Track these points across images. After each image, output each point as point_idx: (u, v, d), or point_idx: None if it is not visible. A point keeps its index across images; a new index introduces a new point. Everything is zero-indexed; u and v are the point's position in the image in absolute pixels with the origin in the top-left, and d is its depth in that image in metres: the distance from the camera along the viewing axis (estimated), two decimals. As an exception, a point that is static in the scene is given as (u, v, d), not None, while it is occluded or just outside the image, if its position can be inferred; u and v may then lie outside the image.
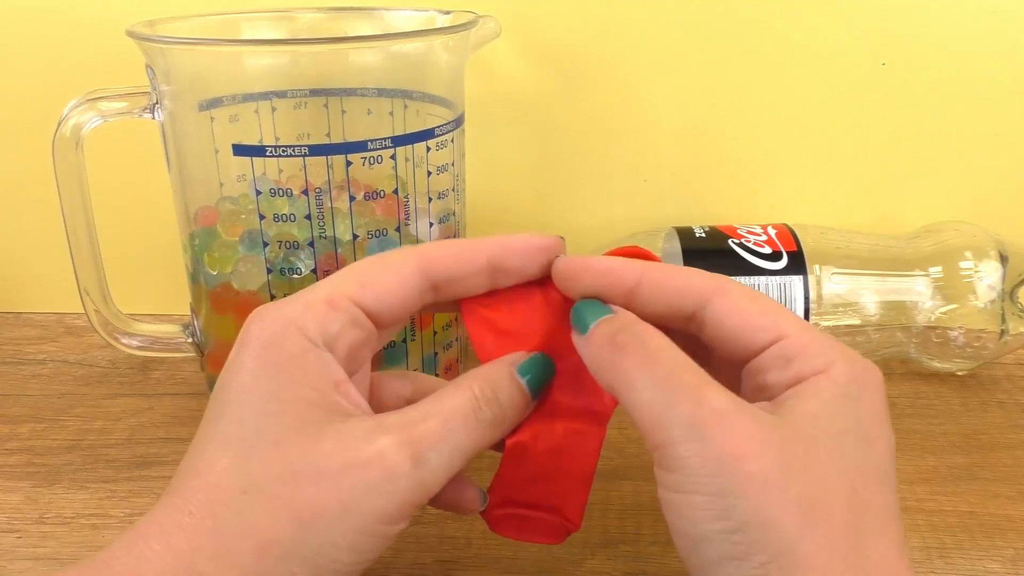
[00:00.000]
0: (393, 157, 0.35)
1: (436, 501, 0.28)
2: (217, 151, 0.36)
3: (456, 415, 0.26)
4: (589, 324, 0.26)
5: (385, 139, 0.35)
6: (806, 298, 0.42)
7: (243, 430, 0.25)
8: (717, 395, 0.24)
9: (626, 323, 0.26)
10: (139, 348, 0.43)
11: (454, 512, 0.29)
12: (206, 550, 0.23)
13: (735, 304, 0.26)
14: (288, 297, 0.27)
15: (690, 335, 0.28)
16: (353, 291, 0.26)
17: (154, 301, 0.51)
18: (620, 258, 0.28)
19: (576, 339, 0.27)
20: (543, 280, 0.29)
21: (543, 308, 0.29)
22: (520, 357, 0.28)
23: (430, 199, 0.38)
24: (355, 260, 0.35)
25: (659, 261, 0.28)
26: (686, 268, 0.28)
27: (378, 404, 0.29)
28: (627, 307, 0.27)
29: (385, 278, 0.27)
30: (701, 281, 0.27)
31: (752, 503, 0.22)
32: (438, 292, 0.28)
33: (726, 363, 0.28)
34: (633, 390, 0.25)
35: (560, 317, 0.28)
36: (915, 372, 0.45)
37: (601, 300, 0.27)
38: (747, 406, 0.24)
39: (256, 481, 0.24)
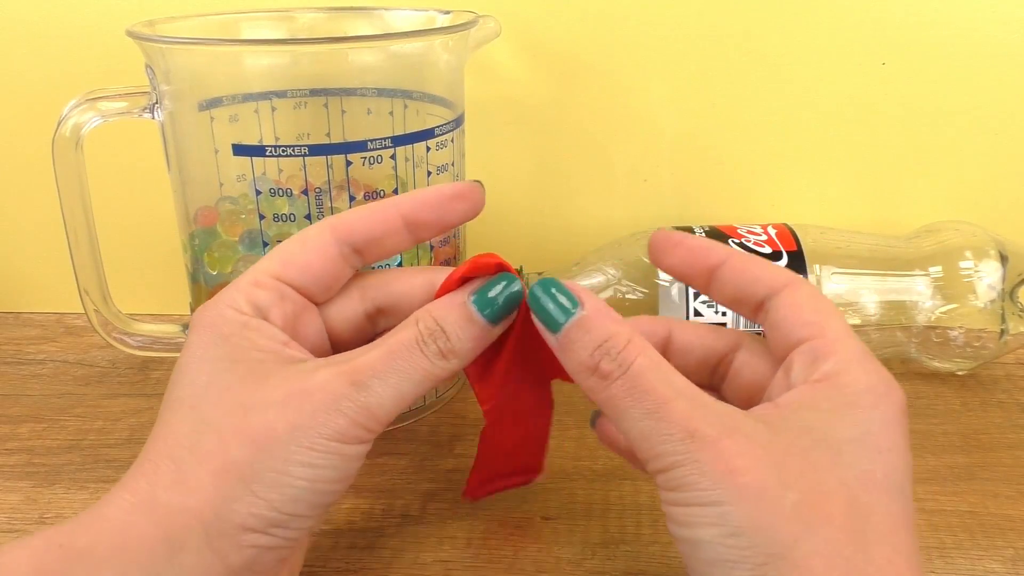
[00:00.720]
0: (393, 157, 0.35)
1: None
2: (217, 151, 0.36)
3: (398, 347, 0.26)
4: (560, 323, 0.26)
5: (385, 139, 0.35)
6: (806, 298, 0.41)
7: (194, 388, 0.26)
8: (708, 422, 0.24)
9: (602, 335, 0.25)
10: (139, 348, 0.43)
11: None
12: (164, 483, 0.25)
13: (796, 299, 0.27)
14: (221, 291, 0.29)
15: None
16: (276, 269, 0.28)
17: (154, 301, 0.51)
18: (709, 240, 0.29)
19: (547, 337, 0.26)
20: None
21: None
22: (477, 284, 0.28)
23: (430, 199, 0.38)
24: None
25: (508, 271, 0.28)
26: (767, 260, 0.30)
27: None
28: (705, 288, 0.29)
29: (304, 252, 0.29)
30: (777, 273, 0.28)
31: (747, 510, 0.23)
32: (363, 256, 0.29)
33: (767, 359, 0.29)
34: (625, 419, 0.25)
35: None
36: (915, 372, 0.45)
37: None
38: (741, 425, 0.24)
39: (208, 419, 0.25)
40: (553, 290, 0.26)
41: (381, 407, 0.26)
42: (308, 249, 0.29)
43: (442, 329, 0.27)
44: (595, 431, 0.31)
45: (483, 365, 0.29)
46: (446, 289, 0.28)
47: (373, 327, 0.30)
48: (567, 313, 0.26)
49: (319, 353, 0.28)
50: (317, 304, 0.29)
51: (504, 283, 0.27)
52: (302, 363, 0.27)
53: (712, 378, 0.30)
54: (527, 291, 0.27)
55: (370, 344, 0.27)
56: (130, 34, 0.35)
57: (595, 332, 0.25)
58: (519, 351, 0.29)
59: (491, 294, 0.27)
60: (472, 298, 0.27)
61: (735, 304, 0.29)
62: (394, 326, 0.29)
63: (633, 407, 0.24)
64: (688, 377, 0.26)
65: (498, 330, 0.28)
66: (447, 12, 0.40)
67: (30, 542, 0.24)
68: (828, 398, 0.25)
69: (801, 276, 0.29)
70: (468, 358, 0.28)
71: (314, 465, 0.25)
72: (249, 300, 0.27)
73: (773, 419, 0.25)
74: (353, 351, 0.27)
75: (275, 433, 0.25)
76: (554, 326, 0.26)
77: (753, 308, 0.28)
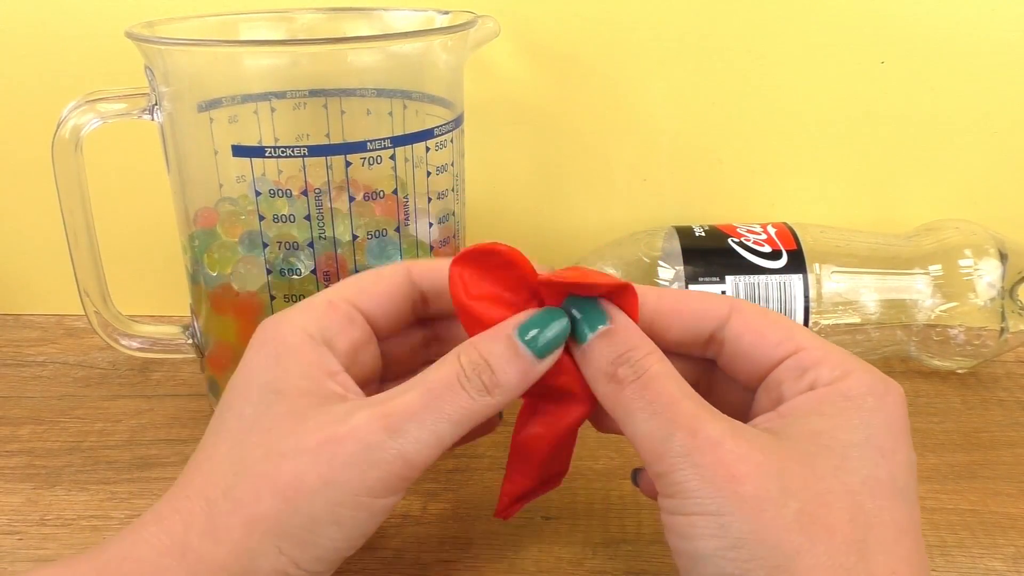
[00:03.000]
0: (392, 157, 0.35)
1: None
2: (216, 152, 0.36)
3: (438, 385, 0.25)
4: (587, 334, 0.26)
5: (384, 139, 0.35)
6: (806, 297, 0.41)
7: (241, 422, 0.26)
8: (712, 423, 0.24)
9: (624, 346, 0.26)
10: (139, 349, 0.43)
11: (479, 437, 0.30)
12: (197, 528, 0.24)
13: (749, 322, 0.27)
14: (293, 305, 0.28)
15: (700, 361, 0.29)
16: (351, 295, 0.28)
17: (154, 302, 0.51)
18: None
19: (572, 346, 0.27)
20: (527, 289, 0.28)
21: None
22: (523, 317, 0.27)
23: (429, 199, 0.38)
24: (355, 260, 0.36)
25: (622, 282, 0.27)
26: (695, 292, 0.29)
27: None
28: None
29: (379, 284, 0.29)
30: (715, 303, 0.28)
31: (748, 521, 0.23)
32: (428, 304, 0.30)
33: (740, 385, 0.28)
34: (633, 421, 0.25)
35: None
36: (915, 370, 0.45)
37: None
38: (744, 430, 0.24)
39: (245, 463, 0.25)
40: (588, 307, 0.27)
41: (418, 454, 0.25)
42: (383, 282, 0.29)
43: (487, 363, 0.26)
44: (639, 488, 0.31)
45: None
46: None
47: (412, 308, 0.30)
48: (594, 327, 0.26)
49: (371, 382, 0.29)
50: (379, 338, 0.29)
51: (547, 314, 0.27)
52: (342, 403, 0.26)
53: (707, 349, 0.29)
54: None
55: (408, 382, 0.26)
56: (129, 36, 0.35)
57: (618, 343, 0.26)
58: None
59: (537, 328, 0.26)
60: (517, 332, 0.26)
61: (682, 347, 0.28)
62: (444, 316, 0.29)
63: (642, 408, 0.25)
64: (680, 347, 0.27)
65: (545, 365, 0.26)
66: (446, 12, 0.40)
67: (57, 574, 0.24)
68: (832, 403, 0.25)
69: (733, 297, 0.29)
70: (513, 394, 0.26)
71: (341, 524, 0.24)
72: (317, 321, 0.27)
73: (776, 426, 0.25)
74: (394, 389, 0.26)
75: (305, 486, 0.24)
76: (582, 337, 0.26)
77: (702, 346, 0.28)
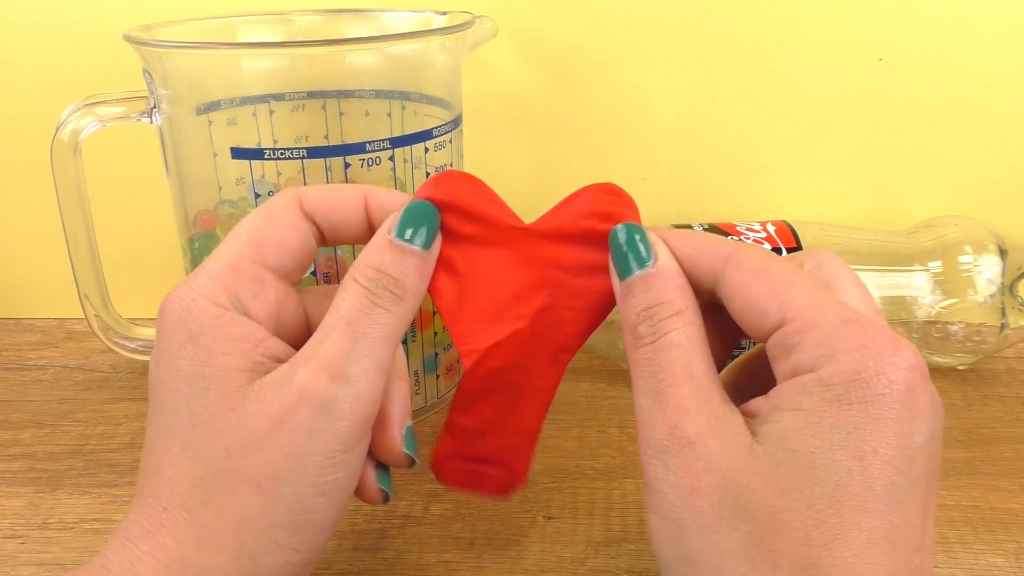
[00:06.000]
0: (392, 158, 0.35)
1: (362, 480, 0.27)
2: (215, 154, 0.36)
3: (353, 313, 0.25)
4: (630, 272, 0.25)
5: (383, 140, 0.35)
6: (806, 294, 0.41)
7: (180, 418, 0.25)
8: (694, 418, 0.23)
9: (656, 299, 0.25)
10: (140, 352, 0.43)
11: (387, 462, 0.28)
12: (189, 540, 0.24)
13: (742, 281, 0.24)
14: (191, 273, 0.27)
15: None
16: (251, 252, 0.26)
17: (154, 305, 0.50)
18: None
19: (614, 279, 0.26)
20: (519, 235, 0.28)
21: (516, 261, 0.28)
22: (392, 221, 0.26)
23: (429, 200, 0.38)
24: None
25: (635, 208, 0.27)
26: (697, 235, 0.26)
27: None
28: None
29: (277, 230, 0.27)
30: (710, 251, 0.25)
31: (699, 540, 0.22)
32: (325, 237, 0.28)
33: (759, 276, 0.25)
34: (636, 388, 0.24)
35: (537, 265, 0.28)
36: (916, 367, 0.45)
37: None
38: (723, 431, 0.23)
39: (208, 464, 0.24)
40: (636, 237, 0.26)
41: (370, 388, 0.25)
42: (279, 225, 0.27)
43: (385, 273, 0.25)
44: None
45: (456, 300, 0.28)
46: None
47: (314, 244, 0.28)
48: (640, 264, 0.25)
49: (302, 336, 0.27)
50: (292, 282, 0.28)
51: (417, 206, 0.27)
52: (275, 371, 0.25)
53: (715, 296, 0.26)
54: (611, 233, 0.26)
55: (324, 325, 0.25)
56: (127, 39, 0.35)
57: (652, 293, 0.25)
58: (541, 320, 0.27)
59: (411, 224, 0.26)
60: (395, 234, 0.26)
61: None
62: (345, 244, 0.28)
63: (646, 380, 0.24)
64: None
65: (434, 253, 0.27)
66: (444, 13, 0.40)
67: None
68: (810, 395, 0.22)
69: (740, 242, 0.25)
70: (420, 292, 0.26)
71: (325, 491, 0.24)
72: (226, 289, 0.26)
73: (761, 419, 0.23)
74: (313, 338, 0.25)
75: (278, 472, 0.24)
76: (623, 273, 0.25)
77: (708, 296, 0.26)
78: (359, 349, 0.25)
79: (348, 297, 0.25)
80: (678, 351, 0.24)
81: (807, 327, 0.23)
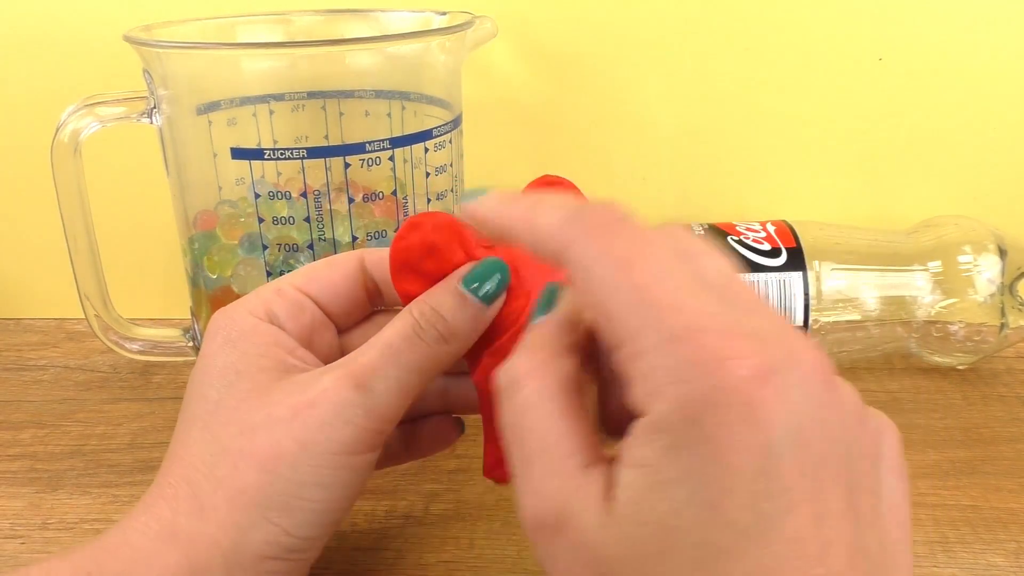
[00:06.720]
0: (391, 159, 0.35)
1: (419, 444, 0.30)
2: (215, 155, 0.36)
3: (396, 339, 0.26)
4: (535, 318, 0.25)
5: (383, 140, 0.35)
6: (806, 294, 0.42)
7: (207, 404, 0.27)
8: (533, 497, 0.21)
9: (530, 349, 0.23)
10: (140, 352, 0.43)
11: (439, 451, 0.31)
12: (184, 510, 0.25)
13: (587, 289, 0.20)
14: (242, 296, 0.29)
15: None
16: (299, 282, 0.29)
17: (154, 305, 0.51)
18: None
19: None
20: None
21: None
22: (465, 271, 0.28)
23: (429, 200, 0.38)
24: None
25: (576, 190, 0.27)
26: (533, 228, 0.22)
27: None
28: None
29: (330, 272, 0.29)
30: (546, 242, 0.22)
31: None
32: (384, 296, 0.30)
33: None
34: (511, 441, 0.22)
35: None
36: (916, 367, 0.45)
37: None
38: (584, 511, 0.20)
39: (220, 442, 0.26)
40: (546, 294, 0.25)
41: (388, 406, 0.26)
42: (334, 269, 0.29)
43: (439, 313, 0.27)
44: None
45: (477, 355, 0.29)
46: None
47: (366, 295, 0.30)
48: (537, 316, 0.25)
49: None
50: (338, 328, 0.30)
51: (490, 263, 0.28)
52: (305, 371, 0.27)
53: None
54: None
55: (368, 343, 0.27)
56: (127, 39, 0.35)
57: (540, 334, 0.23)
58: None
59: (480, 279, 0.27)
60: (463, 283, 0.27)
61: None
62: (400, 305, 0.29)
63: (517, 449, 0.22)
64: None
65: (493, 310, 0.28)
66: (444, 13, 0.40)
67: (55, 567, 0.24)
68: (650, 444, 0.19)
69: (583, 225, 0.21)
70: (469, 339, 0.27)
71: (325, 485, 0.25)
72: (266, 306, 0.28)
73: (614, 481, 0.20)
74: (354, 352, 0.27)
75: (283, 454, 0.25)
76: (532, 318, 0.25)
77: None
78: (389, 369, 0.26)
79: (397, 323, 0.27)
80: (538, 407, 0.21)
81: (633, 356, 0.19)
